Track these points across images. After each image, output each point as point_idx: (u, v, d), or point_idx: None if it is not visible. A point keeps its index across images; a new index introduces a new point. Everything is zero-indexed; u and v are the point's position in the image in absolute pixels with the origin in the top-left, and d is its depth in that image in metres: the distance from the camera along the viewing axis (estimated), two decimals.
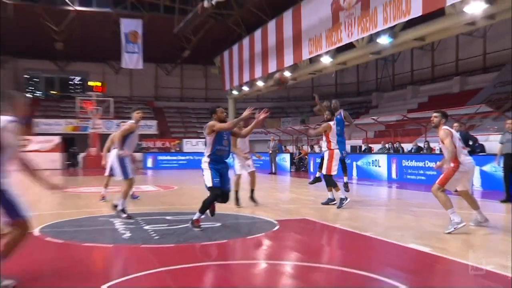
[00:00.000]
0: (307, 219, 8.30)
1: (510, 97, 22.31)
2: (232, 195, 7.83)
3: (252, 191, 10.17)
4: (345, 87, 37.39)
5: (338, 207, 9.38)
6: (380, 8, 16.53)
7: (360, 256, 5.74)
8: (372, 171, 19.35)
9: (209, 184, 6.93)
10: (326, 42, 20.16)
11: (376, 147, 22.44)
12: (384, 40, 18.22)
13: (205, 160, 7.10)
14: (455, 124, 12.75)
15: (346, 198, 9.48)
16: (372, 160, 19.54)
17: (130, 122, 8.42)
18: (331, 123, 9.79)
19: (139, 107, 8.97)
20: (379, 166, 18.97)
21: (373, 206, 10.56)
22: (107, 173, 11.03)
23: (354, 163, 20.07)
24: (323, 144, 10.05)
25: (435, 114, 7.15)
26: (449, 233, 6.57)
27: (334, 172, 9.67)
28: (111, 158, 9.36)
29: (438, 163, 7.28)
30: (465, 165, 6.92)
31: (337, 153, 9.68)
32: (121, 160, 8.11)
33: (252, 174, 10.17)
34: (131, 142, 8.31)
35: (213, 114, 7.23)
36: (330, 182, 9.76)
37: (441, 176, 6.99)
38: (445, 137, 6.91)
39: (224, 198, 7.18)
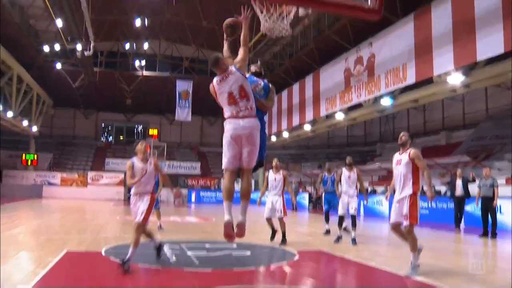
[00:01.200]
0: (322, 250, 8.08)
1: (484, 149, 22.29)
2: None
3: (283, 234, 8.42)
4: (355, 138, 37.04)
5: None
6: (383, 75, 16.59)
7: (365, 284, 5.54)
8: (376, 209, 18.90)
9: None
10: (339, 101, 20.22)
11: (379, 189, 22.00)
12: (386, 101, 18.18)
13: None
14: (459, 171, 12.69)
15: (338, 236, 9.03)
16: (376, 200, 19.12)
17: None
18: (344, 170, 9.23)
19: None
20: (382, 205, 18.53)
21: (377, 239, 10.27)
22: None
23: (362, 202, 19.59)
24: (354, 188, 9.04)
25: (404, 133, 6.05)
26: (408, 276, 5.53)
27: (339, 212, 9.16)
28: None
29: (387, 193, 6.43)
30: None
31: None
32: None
33: (280, 221, 8.51)
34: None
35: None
36: (354, 222, 8.92)
37: (409, 213, 5.49)
38: (420, 157, 5.67)
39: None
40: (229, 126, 4.28)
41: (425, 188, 6.13)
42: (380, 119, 33.04)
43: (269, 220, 8.66)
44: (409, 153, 5.75)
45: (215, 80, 4.52)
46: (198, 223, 13.57)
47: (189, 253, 7.12)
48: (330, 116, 23.04)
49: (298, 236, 10.41)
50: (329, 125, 24.58)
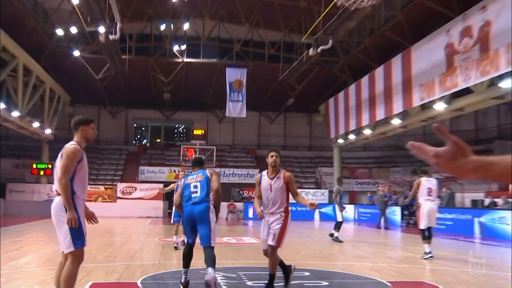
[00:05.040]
0: (425, 282, 7.73)
1: None
2: None
3: (271, 277, 6.65)
4: (461, 134, 35.57)
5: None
6: (503, 49, 15.71)
7: None
8: (499, 229, 17.92)
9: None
10: (439, 87, 19.55)
11: (500, 201, 20.94)
12: (507, 84, 17.32)
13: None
14: None
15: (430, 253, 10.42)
16: (498, 217, 18.16)
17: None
18: (422, 179, 11.00)
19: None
20: (508, 224, 17.50)
21: (499, 270, 9.67)
22: (172, 220, 11.88)
23: (476, 219, 18.84)
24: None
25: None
26: None
27: (420, 226, 10.77)
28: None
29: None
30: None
31: (423, 207, 10.72)
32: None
33: (270, 252, 6.62)
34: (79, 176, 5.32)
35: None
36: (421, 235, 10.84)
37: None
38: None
39: None
40: None
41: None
42: (498, 109, 31.67)
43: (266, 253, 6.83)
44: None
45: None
46: (257, 245, 13.53)
47: (249, 283, 7.08)
48: (426, 107, 22.47)
49: (389, 263, 10.08)
50: (425, 118, 23.90)
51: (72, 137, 5.30)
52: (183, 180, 7.17)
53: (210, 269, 6.16)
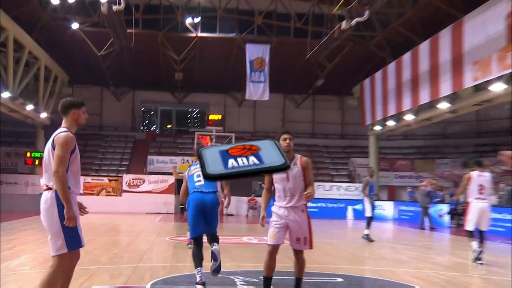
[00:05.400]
0: None
1: None
2: None
3: (297, 282, 6.73)
4: None
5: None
6: None
7: None
8: None
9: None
10: (497, 65, 19.21)
11: None
12: None
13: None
14: None
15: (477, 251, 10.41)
16: None
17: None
18: (473, 173, 10.83)
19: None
20: None
21: None
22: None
23: None
24: None
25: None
26: None
27: (466, 226, 10.81)
28: None
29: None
30: None
31: (472, 206, 10.65)
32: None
33: (296, 255, 6.73)
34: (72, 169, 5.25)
35: None
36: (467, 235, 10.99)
37: None
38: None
39: None
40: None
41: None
42: None
43: (274, 251, 6.85)
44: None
45: None
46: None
47: None
48: (481, 88, 22.19)
49: (435, 270, 9.96)
50: (479, 102, 23.64)
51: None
52: (187, 172, 7.72)
53: (215, 244, 7.18)
